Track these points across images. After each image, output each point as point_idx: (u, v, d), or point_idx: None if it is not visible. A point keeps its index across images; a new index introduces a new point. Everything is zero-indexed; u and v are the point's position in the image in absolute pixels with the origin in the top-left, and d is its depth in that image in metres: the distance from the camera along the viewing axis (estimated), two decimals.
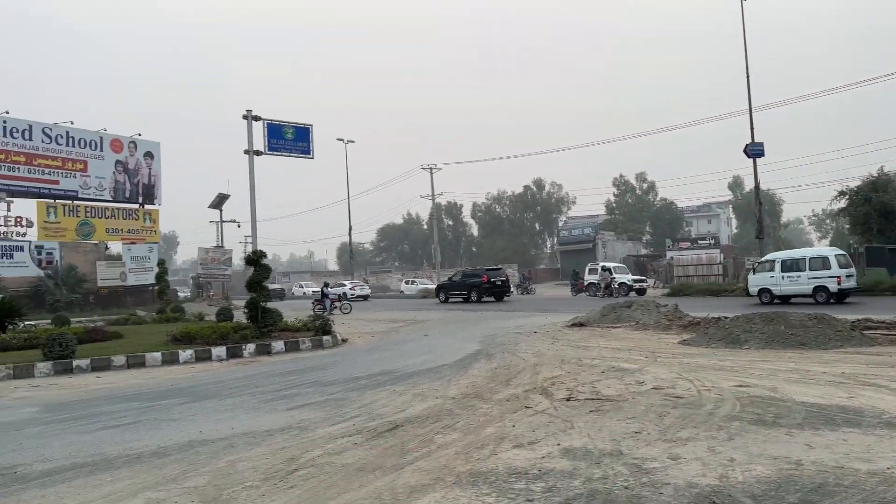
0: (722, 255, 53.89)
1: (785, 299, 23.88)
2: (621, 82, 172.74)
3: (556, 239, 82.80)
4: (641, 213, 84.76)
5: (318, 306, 30.88)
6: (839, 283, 22.58)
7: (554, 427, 6.34)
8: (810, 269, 23.31)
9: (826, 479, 4.46)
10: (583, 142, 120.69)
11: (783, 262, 24.32)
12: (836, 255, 23.51)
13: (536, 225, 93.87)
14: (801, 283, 23.53)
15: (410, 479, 4.93)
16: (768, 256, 25.99)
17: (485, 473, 4.96)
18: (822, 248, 29.89)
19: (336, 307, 30.90)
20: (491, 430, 6.39)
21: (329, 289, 33.34)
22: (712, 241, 65.03)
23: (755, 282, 25.16)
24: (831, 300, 22.40)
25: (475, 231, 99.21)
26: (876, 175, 33.23)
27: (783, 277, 23.91)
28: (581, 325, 17.62)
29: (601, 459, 5.16)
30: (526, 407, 7.36)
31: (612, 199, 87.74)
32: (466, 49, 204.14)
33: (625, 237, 74.14)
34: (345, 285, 48.64)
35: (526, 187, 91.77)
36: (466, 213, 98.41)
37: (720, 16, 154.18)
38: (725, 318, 14.45)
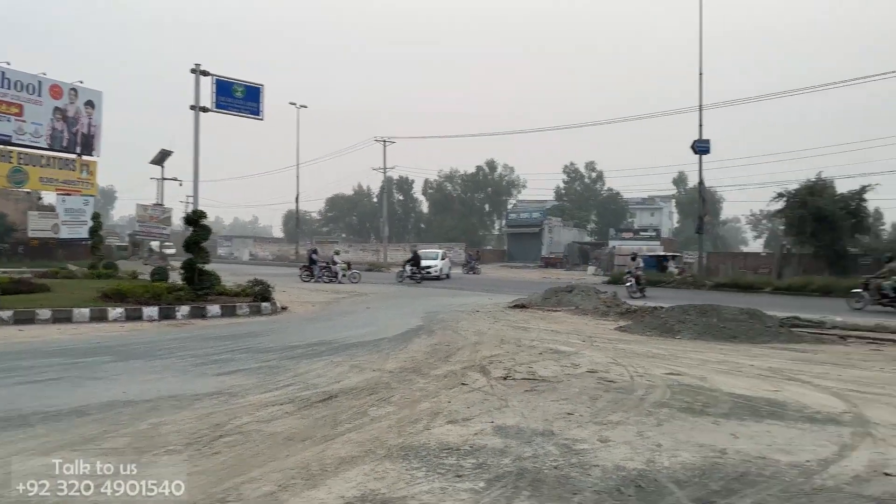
0: (662, 247, 55.40)
1: None
2: (584, 77, 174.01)
3: (504, 221, 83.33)
4: (588, 202, 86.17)
5: (305, 273, 28.93)
6: None
7: (489, 405, 6.33)
8: None
9: (748, 468, 4.57)
10: (537, 126, 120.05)
11: None
12: None
13: (486, 206, 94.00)
14: None
15: (340, 450, 4.83)
16: None
17: (416, 448, 4.90)
18: None
19: (346, 275, 28.63)
20: (426, 404, 6.35)
21: (316, 255, 30.70)
22: (653, 234, 66.54)
23: None
24: None
25: (425, 208, 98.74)
26: (814, 180, 34.26)
27: None
28: (523, 306, 17.77)
29: (532, 438, 5.17)
30: (462, 384, 7.34)
31: (562, 185, 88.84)
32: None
33: (571, 224, 75.17)
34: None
35: (478, 167, 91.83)
36: (417, 189, 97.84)
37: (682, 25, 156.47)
38: (661, 307, 14.78)
